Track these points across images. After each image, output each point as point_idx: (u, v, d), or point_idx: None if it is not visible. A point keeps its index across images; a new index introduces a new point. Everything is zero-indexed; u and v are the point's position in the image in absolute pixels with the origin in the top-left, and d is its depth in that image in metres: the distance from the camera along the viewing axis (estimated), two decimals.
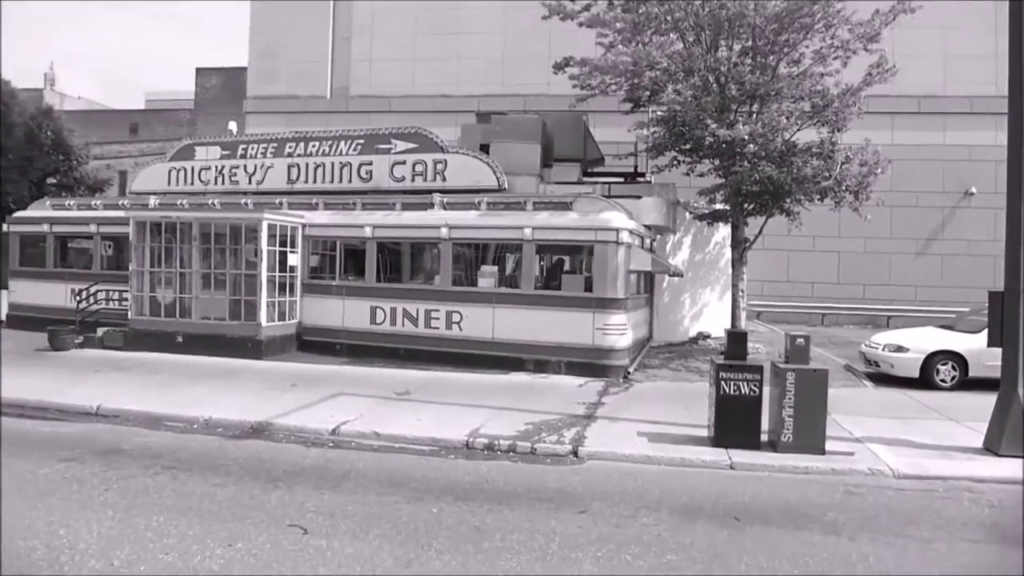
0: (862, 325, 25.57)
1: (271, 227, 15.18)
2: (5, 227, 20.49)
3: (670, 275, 16.06)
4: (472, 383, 12.87)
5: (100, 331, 15.83)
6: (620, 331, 13.72)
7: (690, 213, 17.46)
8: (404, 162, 16.63)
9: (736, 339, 9.02)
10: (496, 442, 8.92)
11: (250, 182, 18.32)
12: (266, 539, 5.49)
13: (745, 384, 8.69)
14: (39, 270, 19.64)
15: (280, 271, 15.53)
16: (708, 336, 18.05)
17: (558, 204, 14.37)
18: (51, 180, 37.46)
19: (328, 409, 10.48)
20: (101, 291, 17.48)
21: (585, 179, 18.34)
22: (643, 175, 18.70)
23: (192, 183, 19.04)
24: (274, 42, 29.80)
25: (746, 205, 16.06)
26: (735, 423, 8.73)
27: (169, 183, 19.27)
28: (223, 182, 18.64)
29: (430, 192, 15.69)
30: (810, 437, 8.57)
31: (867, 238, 25.72)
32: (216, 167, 18.75)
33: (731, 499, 7.03)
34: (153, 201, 18.16)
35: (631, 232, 13.90)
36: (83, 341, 15.80)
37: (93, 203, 19.63)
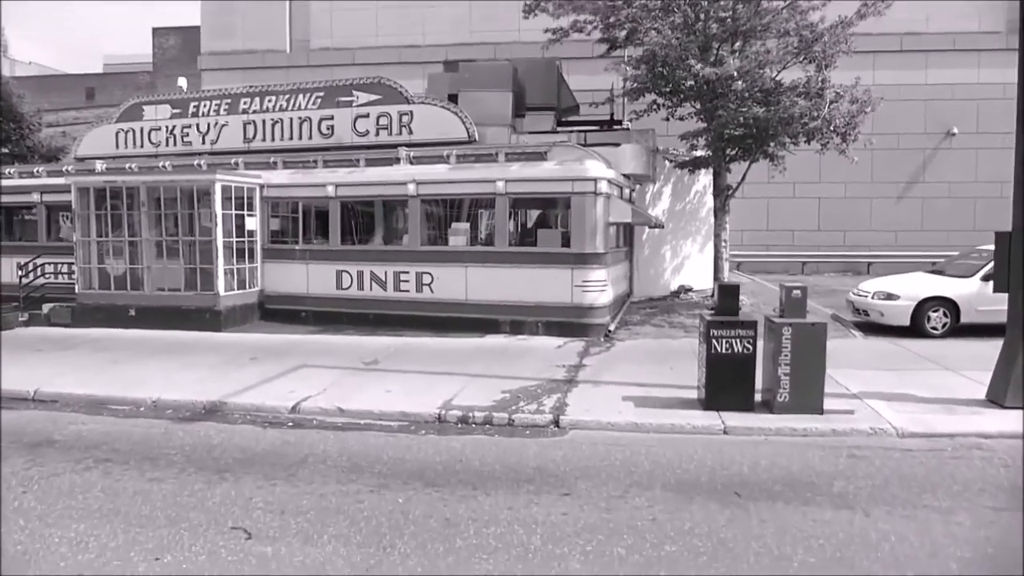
0: (843, 272, 25.17)
1: (225, 189, 14.16)
2: None
3: (651, 227, 15.32)
4: (445, 348, 12.14)
5: (46, 307, 14.83)
6: (600, 287, 13.01)
7: (670, 161, 16.65)
8: (367, 115, 15.57)
9: (727, 293, 8.33)
10: (470, 414, 8.21)
11: (204, 142, 17.16)
12: (201, 547, 4.75)
13: (738, 341, 8.03)
14: None
15: (238, 236, 14.57)
16: (690, 289, 17.42)
17: (532, 154, 13.49)
18: (3, 149, 35.73)
19: (289, 383, 9.71)
20: (48, 264, 16.38)
21: (560, 128, 17.39)
22: (620, 123, 17.80)
23: (142, 145, 17.81)
24: None
25: (729, 150, 15.29)
26: (727, 383, 8.09)
27: (117, 146, 18.02)
28: (175, 143, 17.44)
29: (396, 146, 14.71)
30: (808, 396, 7.96)
31: (848, 183, 25.14)
32: (167, 127, 17.53)
33: (728, 470, 6.40)
34: (99, 166, 16.93)
35: (610, 182, 13.10)
36: (28, 319, 14.80)
37: (36, 171, 18.33)
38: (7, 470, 6.48)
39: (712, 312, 8.44)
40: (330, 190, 14.47)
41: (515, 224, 13.87)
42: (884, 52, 24.45)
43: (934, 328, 12.69)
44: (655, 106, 15.37)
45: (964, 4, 24.27)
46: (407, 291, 14.00)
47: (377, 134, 15.49)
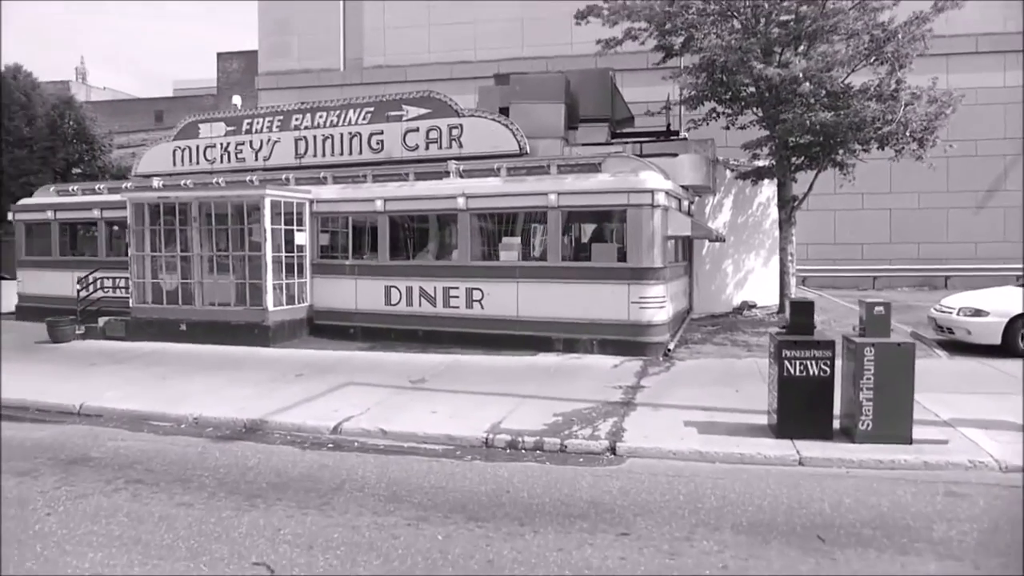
0: (918, 287, 23.79)
1: (275, 204, 14.04)
2: (11, 215, 19.74)
3: (711, 240, 14.56)
4: (495, 367, 11.64)
5: (101, 320, 14.93)
6: (658, 304, 12.34)
7: (731, 171, 15.88)
8: (417, 129, 15.32)
9: (801, 310, 7.60)
10: (520, 439, 7.67)
11: (256, 158, 17.22)
12: None
13: (814, 363, 7.30)
14: (45, 259, 18.86)
15: (287, 251, 14.42)
16: (754, 305, 16.56)
17: (585, 166, 12.96)
18: (76, 170, 37.10)
19: (333, 402, 9.34)
20: (105, 278, 16.57)
21: (614, 140, 16.82)
22: (677, 133, 17.12)
23: (197, 162, 17.99)
24: (285, 14, 28.61)
25: (794, 159, 14.46)
26: (802, 409, 7.35)
27: (174, 163, 18.25)
28: (229, 160, 17.56)
29: (446, 160, 14.39)
30: (894, 424, 7.16)
31: (921, 193, 23.85)
32: (221, 144, 17.67)
33: (808, 508, 5.69)
34: (156, 183, 17.14)
35: (667, 193, 12.45)
36: (84, 332, 14.93)
37: (97, 187, 18.69)
38: (37, 489, 6.22)
39: (784, 330, 7.72)
40: (379, 204, 14.20)
41: (568, 238, 13.32)
42: (958, 54, 23.17)
43: None
44: (714, 115, 14.68)
45: None
46: (457, 307, 13.58)
47: (427, 148, 15.22)
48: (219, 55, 43.00)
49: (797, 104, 13.00)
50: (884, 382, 7.14)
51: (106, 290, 16.56)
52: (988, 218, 23.87)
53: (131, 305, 14.73)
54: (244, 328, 13.84)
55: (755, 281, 17.07)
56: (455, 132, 14.98)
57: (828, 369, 7.32)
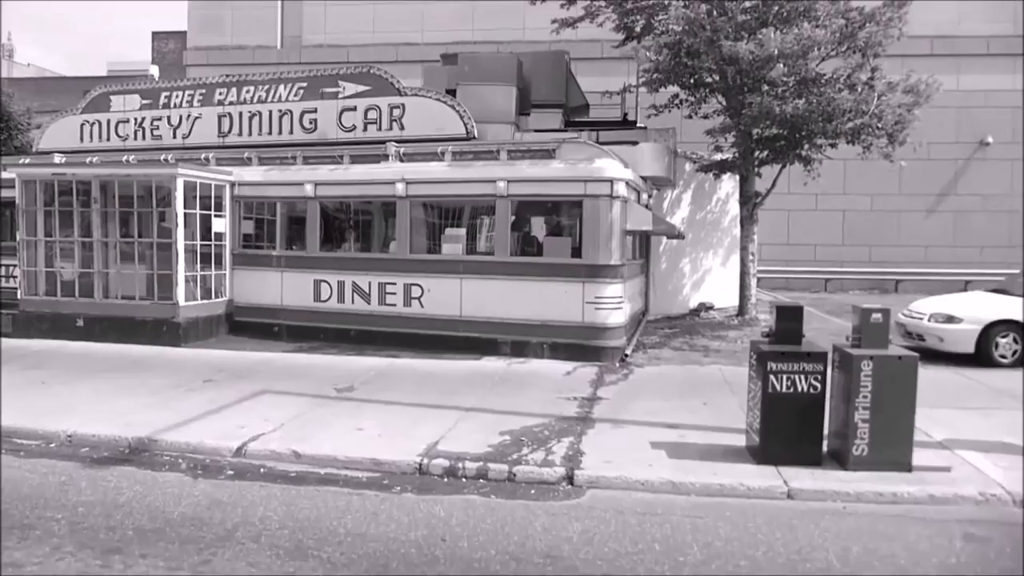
0: (869, 290, 23.50)
1: (189, 185, 12.46)
2: None
3: (671, 237, 13.60)
4: (434, 372, 10.38)
5: None
6: (615, 305, 11.28)
7: (693, 162, 14.96)
8: (354, 108, 13.89)
9: (788, 316, 6.58)
10: (460, 464, 6.45)
11: (175, 136, 15.48)
12: None
13: (803, 378, 6.29)
14: None
15: (204, 240, 12.86)
16: (711, 307, 15.73)
17: (539, 151, 11.79)
18: None
19: (242, 415, 7.95)
20: None
21: (568, 128, 15.73)
22: (635, 123, 16.14)
23: (108, 138, 16.12)
24: None
25: (758, 152, 13.60)
26: (788, 430, 6.34)
27: (82, 139, 16.32)
28: (144, 136, 15.77)
29: (385, 143, 13.03)
30: (892, 448, 6.22)
31: (874, 195, 23.54)
32: (135, 119, 15.85)
33: (811, 561, 4.65)
34: (59, 160, 15.26)
35: (628, 184, 11.40)
36: None
37: (11, 171, 16.62)
38: None
39: (768, 338, 6.69)
40: (308, 189, 12.77)
41: (518, 231, 12.13)
42: (914, 56, 22.78)
43: (1003, 356, 10.96)
44: (676, 102, 13.70)
45: (1000, 5, 22.73)
46: (394, 305, 12.27)
47: (365, 129, 13.82)
48: (154, 34, 40.46)
49: (766, 92, 12.10)
50: (882, 401, 6.19)
51: None
52: (939, 222, 23.72)
53: (19, 297, 12.94)
54: (151, 325, 12.24)
55: (713, 281, 16.25)
56: (396, 112, 13.62)
57: (819, 385, 6.33)
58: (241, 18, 26.25)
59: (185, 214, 12.32)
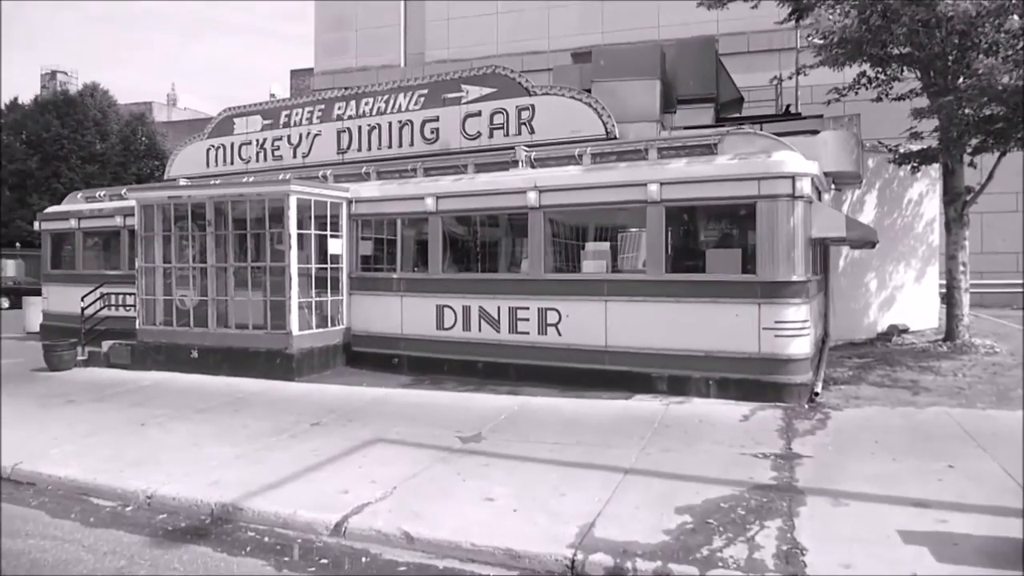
0: None
1: (303, 203, 11.43)
2: (37, 224, 17.93)
3: (861, 247, 11.05)
4: (577, 416, 8.55)
5: (105, 345, 12.60)
6: (800, 330, 9.04)
7: (889, 151, 12.31)
8: (478, 113, 12.51)
9: None
10: (630, 563, 4.57)
11: (295, 155, 14.78)
12: None
13: None
14: (69, 272, 16.91)
15: (319, 263, 11.78)
16: (905, 330, 12.98)
17: (696, 147, 9.80)
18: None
19: (347, 474, 6.47)
20: (117, 294, 14.31)
21: (720, 125, 13.61)
22: (799, 115, 13.74)
23: (232, 162, 15.70)
24: (343, 9, 26.49)
25: (967, 138, 10.87)
26: None
27: (208, 164, 16.02)
28: (265, 158, 15.19)
29: (513, 149, 11.48)
30: None
31: None
32: (257, 141, 15.31)
33: None
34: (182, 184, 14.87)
35: (813, 180, 9.16)
36: (87, 358, 12.63)
37: (123, 192, 16.63)
38: None
39: None
40: (430, 203, 11.39)
41: (674, 244, 10.14)
42: None
43: None
44: (863, 81, 11.25)
45: None
46: (526, 333, 10.59)
47: (491, 135, 12.38)
48: (292, 72, 42.00)
49: (981, 61, 9.47)
50: None
51: (117, 308, 14.30)
52: None
53: (137, 327, 12.35)
54: (264, 356, 11.21)
55: (905, 299, 13.47)
56: (525, 115, 12.08)
57: None
58: (365, 39, 25.95)
59: (299, 235, 11.27)
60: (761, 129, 11.86)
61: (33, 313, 18.01)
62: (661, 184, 9.56)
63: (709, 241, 10.19)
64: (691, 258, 10.07)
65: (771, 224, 8.93)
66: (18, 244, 36.82)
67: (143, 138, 45.39)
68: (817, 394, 9.02)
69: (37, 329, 17.52)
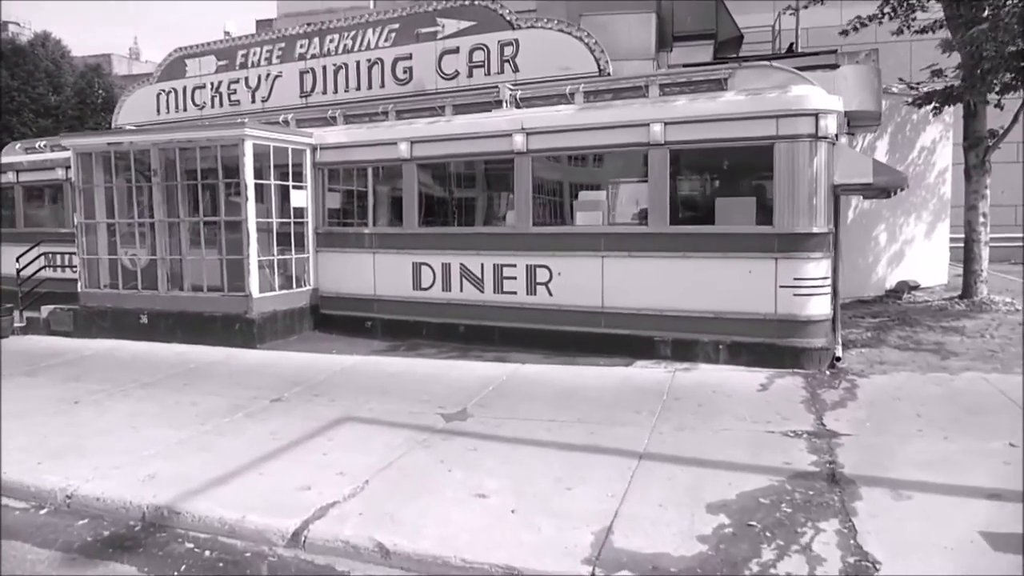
0: None
1: (261, 150, 10.17)
2: None
3: (896, 191, 10.01)
4: (574, 387, 7.57)
5: (44, 310, 11.35)
6: (819, 288, 8.12)
7: (911, 89, 11.26)
8: (456, 49, 11.22)
9: None
10: None
11: (253, 100, 13.36)
12: None
13: None
14: (10, 231, 15.44)
15: (282, 217, 10.58)
16: (916, 287, 12.17)
17: (703, 83, 8.70)
18: None
19: (310, 464, 5.44)
20: (59, 253, 13.01)
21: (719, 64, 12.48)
22: (807, 54, 12.62)
23: (184, 108, 14.24)
24: None
25: (996, 75, 9.89)
26: None
27: (159, 111, 14.53)
28: (221, 103, 13.76)
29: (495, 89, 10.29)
30: None
31: None
32: (211, 84, 13.85)
33: None
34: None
35: (838, 117, 8.12)
36: (25, 325, 11.38)
37: (64, 142, 15.11)
38: None
39: None
40: (403, 149, 10.20)
41: (679, 192, 9.08)
42: None
43: None
44: (886, 8, 10.16)
45: None
46: (513, 292, 9.56)
47: (470, 75, 11.12)
48: (258, 22, 39.64)
49: None
50: None
51: (63, 269, 13.00)
52: None
53: (79, 290, 11.09)
54: (221, 321, 10.07)
55: (915, 254, 12.65)
56: (508, 51, 10.83)
57: None
58: None
59: (257, 185, 10.05)
60: (772, 65, 10.78)
61: None
62: (665, 124, 8.46)
63: (719, 189, 9.13)
64: (698, 208, 9.02)
65: (790, 168, 7.91)
66: None
67: (100, 91, 42.99)
68: (839, 359, 8.14)
69: None
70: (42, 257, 13.07)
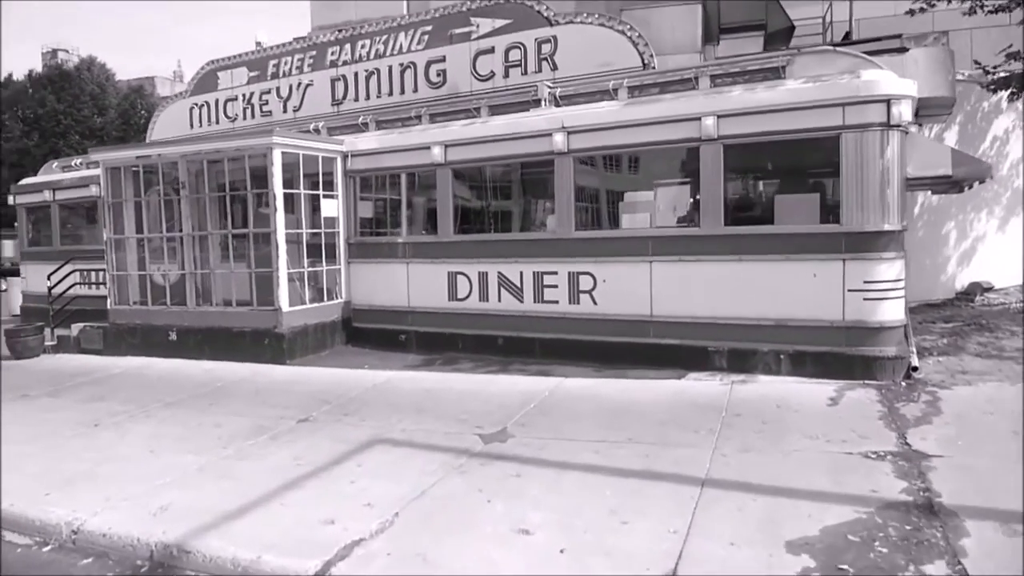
0: None
1: (290, 159, 9.81)
2: (11, 198, 16.41)
3: (967, 187, 9.18)
4: (623, 403, 6.95)
5: (75, 328, 11.14)
6: (893, 291, 7.37)
7: (986, 73, 10.41)
8: (491, 49, 10.77)
9: None
10: None
11: (285, 110, 13.14)
12: None
13: None
14: (47, 249, 15.42)
15: (312, 227, 10.20)
16: (989, 288, 11.25)
17: (758, 72, 8.05)
18: None
19: (335, 493, 4.94)
20: (93, 271, 12.85)
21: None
22: (864, 41, 11.83)
23: (216, 120, 14.10)
24: None
25: None
26: None
27: (191, 125, 14.42)
28: (252, 114, 13.57)
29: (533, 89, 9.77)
30: None
31: None
32: (243, 96, 13.68)
33: None
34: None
35: (912, 103, 7.38)
36: (56, 343, 11.19)
37: (93, 156, 15.03)
38: None
39: None
40: (437, 153, 9.74)
41: (733, 191, 8.42)
42: None
43: None
44: None
45: None
46: (555, 302, 8.98)
47: (506, 75, 10.67)
48: (295, 40, 39.95)
49: None
50: None
51: (97, 287, 12.84)
52: None
53: (108, 307, 10.86)
54: (250, 337, 9.70)
55: (986, 253, 11.71)
56: (546, 48, 10.34)
57: None
58: None
59: (286, 195, 9.68)
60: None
61: (15, 295, 16.62)
62: (718, 117, 7.82)
63: (778, 186, 8.43)
64: (755, 207, 8.35)
65: (858, 160, 7.20)
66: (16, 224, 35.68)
67: (143, 111, 43.85)
68: (915, 369, 7.36)
69: (18, 311, 16.13)
70: (77, 274, 12.93)
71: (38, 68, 46.01)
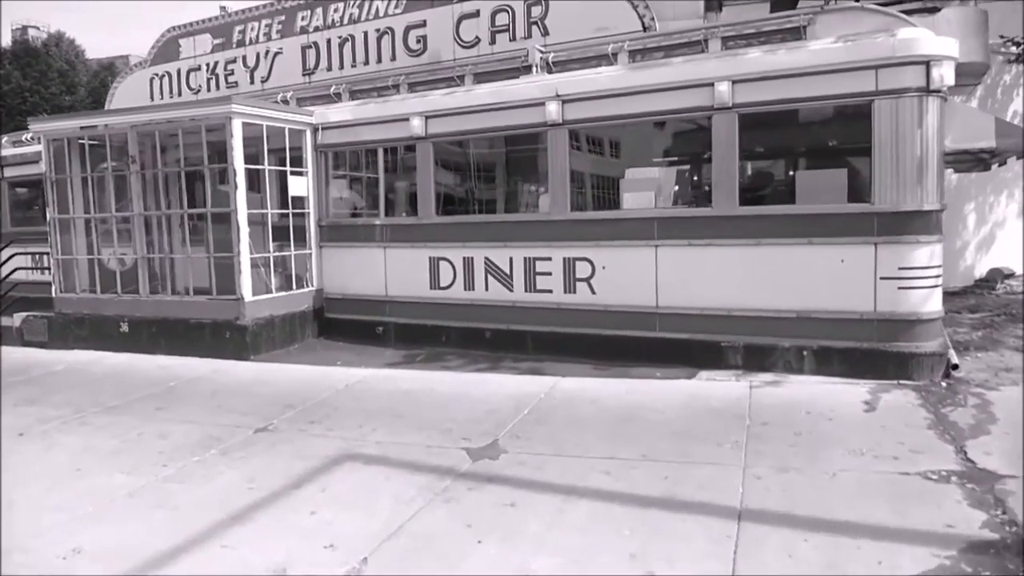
0: None
1: (252, 131, 8.78)
2: None
3: (996, 163, 8.40)
4: (629, 406, 6.10)
5: (17, 318, 10.09)
6: (931, 278, 6.57)
7: (1016, 45, 9.64)
8: (476, 13, 9.78)
9: None
10: None
11: (252, 80, 12.09)
12: None
13: None
14: None
15: (278, 207, 9.21)
16: (1010, 275, 10.52)
17: (776, 32, 7.17)
18: None
19: (292, 528, 4.04)
20: (43, 255, 11.75)
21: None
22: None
23: (180, 93, 12.99)
24: None
25: None
26: None
27: (152, 96, 13.31)
28: (217, 85, 12.50)
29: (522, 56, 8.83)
30: None
31: None
32: (207, 65, 12.59)
33: None
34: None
35: (954, 66, 6.53)
36: None
37: (33, 127, 13.85)
38: None
39: None
40: (416, 125, 8.77)
41: (748, 167, 7.56)
42: None
43: None
44: None
45: None
46: (548, 291, 8.09)
47: (493, 41, 9.69)
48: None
49: None
50: None
51: (38, 272, 11.77)
52: None
53: (53, 295, 9.81)
54: (210, 329, 8.72)
55: (1006, 237, 10.96)
56: (536, 11, 9.38)
57: None
58: None
59: (249, 171, 8.67)
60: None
61: None
62: (733, 83, 6.92)
63: (800, 161, 7.56)
64: (775, 185, 7.49)
65: (895, 130, 6.35)
66: None
67: None
68: (956, 367, 6.56)
69: None
70: (23, 258, 11.84)
71: (8, 45, 44.21)
